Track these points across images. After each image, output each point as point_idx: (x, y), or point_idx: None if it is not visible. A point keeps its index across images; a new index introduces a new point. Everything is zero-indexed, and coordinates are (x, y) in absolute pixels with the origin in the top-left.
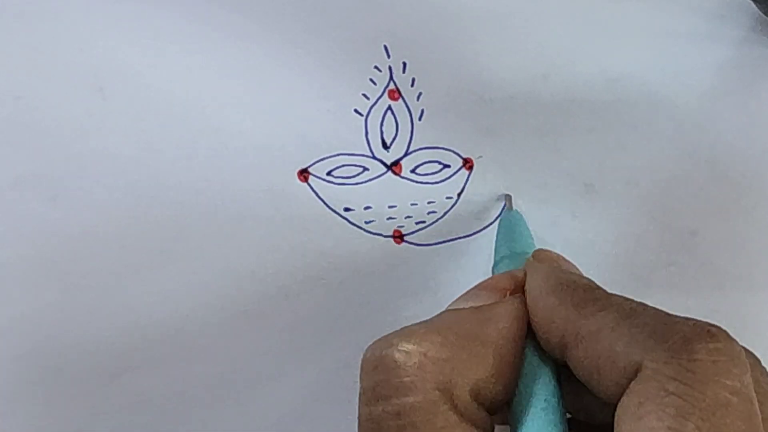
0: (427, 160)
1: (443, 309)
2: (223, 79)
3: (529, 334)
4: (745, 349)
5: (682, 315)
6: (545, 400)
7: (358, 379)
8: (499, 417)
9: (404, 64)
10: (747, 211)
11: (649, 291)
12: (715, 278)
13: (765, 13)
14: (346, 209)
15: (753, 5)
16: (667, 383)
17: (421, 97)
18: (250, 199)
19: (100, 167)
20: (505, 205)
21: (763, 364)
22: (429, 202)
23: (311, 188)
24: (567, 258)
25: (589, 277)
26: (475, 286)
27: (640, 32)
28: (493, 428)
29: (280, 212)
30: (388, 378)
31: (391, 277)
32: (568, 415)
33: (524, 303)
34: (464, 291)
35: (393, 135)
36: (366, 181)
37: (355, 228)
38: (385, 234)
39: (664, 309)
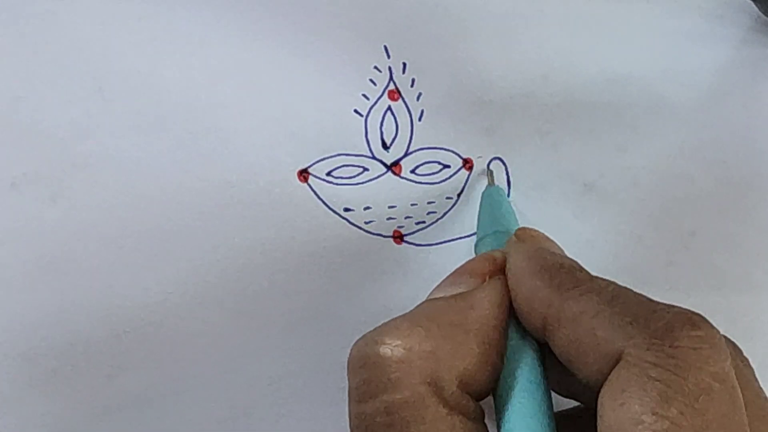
0: (427, 160)
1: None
2: (222, 79)
3: (511, 316)
4: (726, 338)
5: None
6: (530, 381)
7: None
8: (487, 403)
9: (404, 64)
10: (746, 211)
11: (649, 291)
12: (714, 278)
13: (765, 13)
14: (346, 209)
15: (753, 5)
16: (649, 369)
17: (420, 98)
18: (249, 199)
19: (100, 167)
20: (488, 182)
21: (764, 364)
22: (429, 203)
23: (311, 188)
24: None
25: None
26: (454, 272)
27: (640, 32)
28: (483, 414)
29: (279, 212)
30: (375, 375)
31: (391, 278)
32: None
33: (506, 285)
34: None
35: (393, 135)
36: (366, 182)
37: (355, 228)
38: (385, 234)
39: None
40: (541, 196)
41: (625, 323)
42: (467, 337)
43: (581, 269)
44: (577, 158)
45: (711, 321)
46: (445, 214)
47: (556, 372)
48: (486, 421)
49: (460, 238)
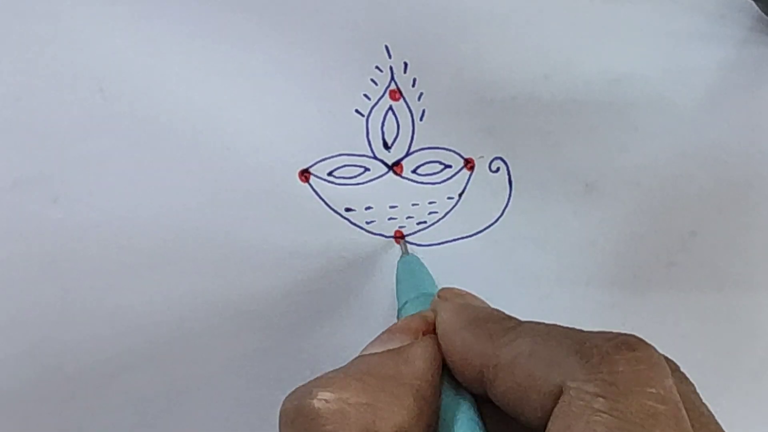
0: (428, 160)
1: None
2: (223, 80)
3: (444, 371)
4: (664, 356)
5: (597, 330)
6: None
7: None
8: None
9: (405, 64)
10: (747, 212)
11: (649, 291)
12: (715, 278)
13: (765, 13)
14: (348, 209)
15: (753, 5)
16: (592, 401)
17: (422, 98)
18: (250, 199)
19: (100, 168)
20: (401, 251)
21: (763, 363)
22: (430, 203)
23: (312, 188)
24: (475, 294)
25: (590, 276)
26: (387, 330)
27: (641, 32)
28: None
29: (280, 212)
30: (309, 428)
31: (393, 278)
32: None
33: (437, 342)
34: (377, 334)
35: (394, 135)
36: (367, 182)
37: (356, 228)
38: (386, 234)
39: (663, 309)
40: (543, 196)
41: (561, 358)
42: (403, 390)
43: (510, 317)
44: (578, 158)
45: (650, 343)
46: (446, 214)
47: (495, 422)
48: None
49: (462, 238)
